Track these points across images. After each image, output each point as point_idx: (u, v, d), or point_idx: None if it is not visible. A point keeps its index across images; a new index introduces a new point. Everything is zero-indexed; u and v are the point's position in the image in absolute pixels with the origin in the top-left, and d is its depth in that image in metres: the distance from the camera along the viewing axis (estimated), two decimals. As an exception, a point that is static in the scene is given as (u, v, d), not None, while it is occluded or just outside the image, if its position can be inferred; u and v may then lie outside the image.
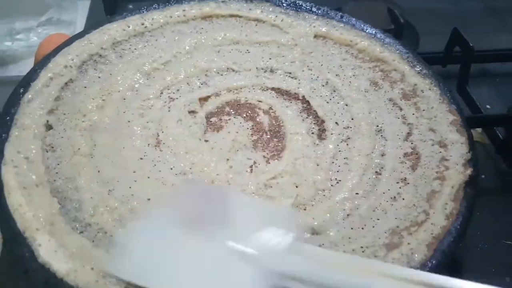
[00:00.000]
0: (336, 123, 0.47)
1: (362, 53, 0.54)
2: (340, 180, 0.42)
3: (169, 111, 0.48)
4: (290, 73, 0.53)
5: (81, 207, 0.38)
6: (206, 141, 0.46)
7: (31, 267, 0.33)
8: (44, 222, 0.36)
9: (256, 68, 0.53)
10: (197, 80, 0.51)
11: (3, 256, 0.34)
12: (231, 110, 0.49)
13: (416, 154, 0.44)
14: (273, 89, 0.51)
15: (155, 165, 0.43)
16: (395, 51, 0.54)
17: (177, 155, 0.44)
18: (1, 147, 0.40)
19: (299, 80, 0.52)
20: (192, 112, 0.48)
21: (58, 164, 0.41)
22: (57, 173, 0.40)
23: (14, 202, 0.36)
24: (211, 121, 0.48)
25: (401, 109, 0.48)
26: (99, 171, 0.41)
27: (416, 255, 0.35)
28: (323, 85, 0.51)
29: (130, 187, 0.40)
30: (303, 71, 0.53)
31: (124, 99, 0.48)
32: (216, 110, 0.49)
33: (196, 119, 0.47)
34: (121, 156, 0.43)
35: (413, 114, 0.48)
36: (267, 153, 0.45)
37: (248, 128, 0.48)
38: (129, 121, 0.46)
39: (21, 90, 0.46)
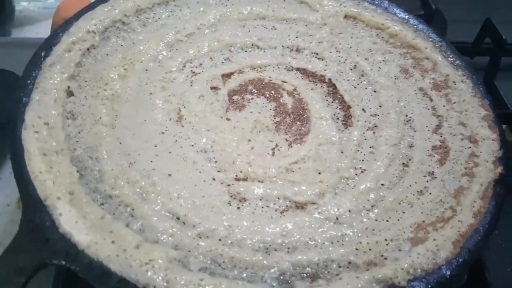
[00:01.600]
0: (363, 109, 0.46)
1: (394, 38, 0.52)
2: (365, 170, 0.41)
3: (191, 85, 0.47)
4: (317, 53, 0.51)
5: (102, 178, 0.37)
6: (228, 119, 0.45)
7: (51, 237, 0.32)
8: (65, 191, 0.35)
9: (282, 46, 0.51)
10: (221, 55, 0.50)
11: (22, 224, 0.33)
12: (254, 89, 0.48)
13: (445, 148, 0.43)
14: (298, 69, 0.50)
15: (176, 140, 0.42)
16: (428, 39, 0.52)
17: (198, 132, 0.43)
18: (23, 111, 0.39)
19: (326, 61, 0.50)
20: (214, 88, 0.47)
21: (79, 133, 0.40)
22: (77, 141, 0.39)
23: (35, 169, 0.36)
24: (233, 99, 0.47)
25: (431, 100, 0.47)
26: (120, 143, 0.40)
27: (441, 252, 0.34)
28: (351, 69, 0.50)
29: (151, 161, 0.40)
30: (330, 52, 0.51)
31: (147, 70, 0.47)
32: (239, 88, 0.48)
33: (218, 96, 0.46)
34: (143, 129, 0.42)
35: (444, 106, 0.46)
36: (290, 137, 0.44)
37: (271, 109, 0.46)
38: (151, 93, 0.45)
39: (43, 54, 0.44)
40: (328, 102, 0.47)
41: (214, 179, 0.40)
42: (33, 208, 0.34)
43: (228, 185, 0.39)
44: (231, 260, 0.34)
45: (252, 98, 0.47)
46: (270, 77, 0.49)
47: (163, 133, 0.42)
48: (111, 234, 0.33)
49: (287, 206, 0.39)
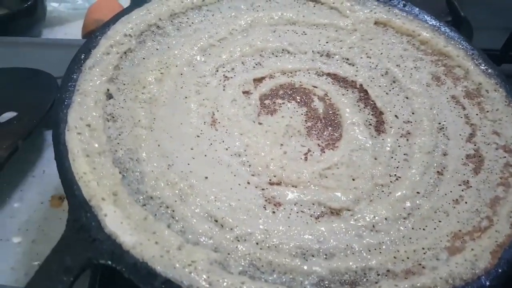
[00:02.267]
0: (396, 116, 0.46)
1: (425, 45, 0.52)
2: (399, 177, 0.41)
3: (224, 90, 0.47)
4: (347, 59, 0.51)
5: (143, 179, 0.38)
6: (260, 123, 0.45)
7: (98, 237, 0.33)
8: (109, 192, 0.36)
9: (312, 51, 0.51)
10: (252, 59, 0.50)
11: (68, 223, 0.34)
12: (285, 94, 0.48)
13: (479, 157, 0.43)
14: (329, 74, 0.50)
15: (211, 144, 0.43)
16: (459, 47, 0.52)
17: (231, 136, 0.44)
18: (65, 112, 0.40)
19: (357, 67, 0.50)
20: (246, 92, 0.48)
21: (119, 135, 0.41)
22: (118, 143, 0.40)
23: (79, 170, 0.37)
24: (264, 104, 0.47)
25: (464, 108, 0.47)
26: (159, 145, 0.41)
27: (480, 262, 0.34)
28: (382, 75, 0.50)
29: (188, 164, 0.40)
30: (361, 58, 0.51)
31: (181, 74, 0.47)
32: (270, 92, 0.48)
33: (250, 100, 0.47)
34: (179, 132, 0.43)
35: (477, 114, 0.46)
36: (322, 142, 0.45)
37: (302, 114, 0.47)
38: (186, 97, 0.46)
39: (82, 56, 0.45)
40: (360, 107, 0.47)
41: (248, 183, 0.40)
42: (78, 208, 0.35)
43: (263, 189, 0.40)
44: (270, 264, 0.34)
45: (283, 103, 0.48)
46: (300, 82, 0.49)
47: (198, 136, 0.43)
48: (154, 235, 0.34)
49: (322, 212, 0.39)
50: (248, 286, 0.32)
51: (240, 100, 0.47)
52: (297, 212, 0.39)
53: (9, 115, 0.54)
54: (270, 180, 0.41)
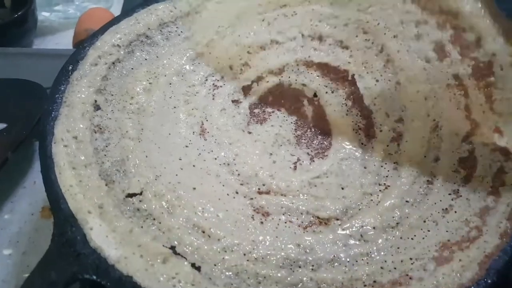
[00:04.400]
0: (386, 113, 0.43)
1: (431, 0, 0.42)
2: (389, 186, 0.41)
3: (213, 99, 0.47)
4: (341, 41, 0.47)
5: (129, 191, 0.38)
6: (250, 132, 0.45)
7: (83, 251, 0.33)
8: (95, 204, 0.36)
9: (302, 35, 0.48)
10: (239, 60, 0.49)
11: (53, 237, 0.34)
12: (274, 101, 0.48)
13: (473, 160, 0.40)
14: (319, 65, 0.47)
15: (200, 153, 0.42)
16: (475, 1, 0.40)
17: (221, 145, 0.44)
18: (52, 125, 0.40)
19: (351, 50, 0.46)
20: (235, 101, 0.47)
21: (106, 146, 0.41)
22: (105, 155, 0.40)
23: (66, 182, 0.36)
24: (254, 112, 0.47)
25: (466, 95, 0.40)
26: (146, 156, 0.41)
27: (467, 273, 0.34)
28: (376, 54, 0.45)
29: (176, 175, 0.40)
30: (356, 36, 0.46)
31: (170, 84, 0.47)
32: (259, 101, 0.48)
33: (240, 109, 0.47)
34: (167, 142, 0.43)
35: (481, 105, 0.39)
36: (311, 151, 0.45)
37: (291, 123, 0.47)
38: (175, 107, 0.46)
39: (70, 67, 0.45)
40: (348, 107, 0.46)
41: (237, 192, 0.40)
42: (64, 222, 0.34)
43: (251, 198, 0.40)
44: (256, 276, 0.34)
45: (272, 111, 0.47)
46: (289, 81, 0.48)
47: (187, 146, 0.43)
48: (139, 248, 0.34)
49: (310, 221, 0.39)
50: None
51: (229, 109, 0.47)
52: (285, 222, 0.39)
53: (-2, 126, 0.54)
54: (259, 189, 0.41)
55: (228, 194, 0.40)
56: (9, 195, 0.55)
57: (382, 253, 0.36)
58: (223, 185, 0.40)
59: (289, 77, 0.48)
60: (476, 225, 0.38)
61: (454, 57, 0.40)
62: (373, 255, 0.36)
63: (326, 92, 0.47)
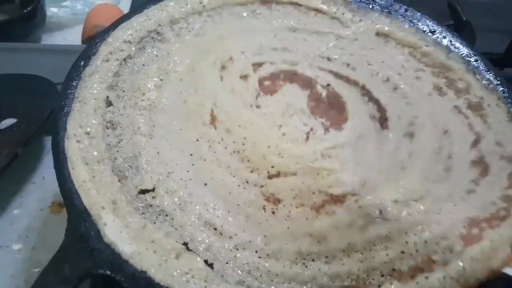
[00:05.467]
0: (399, 116, 0.45)
1: (426, 57, 0.51)
2: (405, 167, 0.40)
3: (221, 80, 0.46)
4: (348, 64, 0.50)
5: (142, 187, 0.38)
6: (258, 107, 0.44)
7: (96, 247, 0.33)
8: (108, 200, 0.36)
9: (314, 54, 0.50)
10: (251, 51, 0.49)
11: (67, 233, 0.34)
12: (287, 78, 0.47)
13: (485, 163, 0.41)
14: (331, 71, 0.49)
15: (210, 145, 0.42)
16: (461, 61, 0.50)
17: (230, 131, 0.42)
18: (64, 120, 0.40)
19: (358, 72, 0.50)
20: (244, 77, 0.46)
21: (119, 142, 0.41)
22: (117, 151, 0.40)
23: (79, 178, 0.36)
24: (264, 85, 0.46)
25: (467, 117, 0.46)
26: (158, 153, 0.41)
27: (498, 255, 0.32)
28: (383, 81, 0.49)
29: (188, 171, 0.40)
30: (362, 64, 0.50)
31: (181, 79, 0.47)
32: (270, 75, 0.47)
33: (248, 84, 0.46)
34: (179, 138, 0.42)
35: (480, 124, 0.45)
36: (326, 121, 0.43)
37: (304, 95, 0.45)
38: (185, 101, 0.45)
39: (82, 63, 0.45)
40: (364, 101, 0.46)
41: (247, 182, 0.39)
42: (78, 217, 0.34)
43: (261, 186, 0.39)
44: (268, 274, 0.34)
45: (284, 84, 0.46)
46: (302, 71, 0.48)
47: (197, 140, 0.42)
48: (153, 244, 0.34)
49: (323, 201, 0.37)
50: None
51: (237, 87, 0.46)
52: (297, 207, 0.37)
53: (9, 122, 0.54)
54: (268, 173, 0.40)
55: (238, 186, 0.39)
56: (19, 191, 0.55)
57: (404, 232, 0.35)
58: (234, 176, 0.40)
59: (303, 69, 0.48)
60: (503, 207, 0.36)
61: (450, 96, 0.47)
62: (393, 235, 0.34)
63: (341, 86, 0.47)
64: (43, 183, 0.56)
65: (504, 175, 0.40)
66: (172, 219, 0.36)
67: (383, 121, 0.45)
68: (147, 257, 0.33)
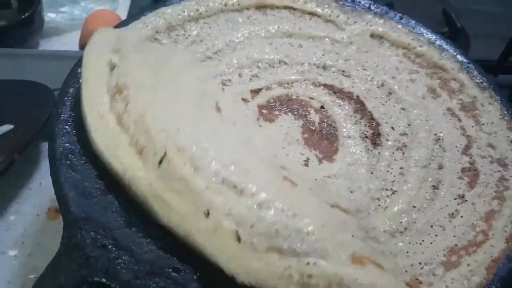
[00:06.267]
0: (392, 127, 0.46)
1: (420, 58, 0.53)
2: (396, 191, 0.41)
3: (223, 91, 0.47)
4: (343, 71, 0.51)
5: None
6: (260, 126, 0.45)
7: (92, 254, 0.33)
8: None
9: (309, 63, 0.51)
10: (249, 71, 0.50)
11: (63, 240, 0.34)
12: (282, 106, 0.48)
13: (475, 170, 0.43)
14: (325, 86, 0.50)
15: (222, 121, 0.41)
16: (454, 60, 0.52)
17: (236, 124, 0.42)
18: (60, 127, 0.40)
19: (353, 79, 0.50)
20: (244, 100, 0.47)
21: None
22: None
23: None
24: (262, 112, 0.47)
25: (460, 120, 0.47)
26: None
27: (475, 277, 0.34)
28: (378, 87, 0.50)
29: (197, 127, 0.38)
30: (357, 70, 0.51)
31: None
32: (267, 104, 0.48)
33: (249, 106, 0.46)
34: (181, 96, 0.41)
35: (472, 126, 0.46)
36: (319, 153, 0.44)
37: (299, 126, 0.47)
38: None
39: (79, 70, 0.45)
40: (356, 119, 0.47)
41: (262, 160, 0.38)
42: (73, 224, 0.34)
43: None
44: (297, 232, 0.32)
45: (279, 115, 0.47)
46: (297, 93, 0.49)
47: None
48: None
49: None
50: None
51: (239, 103, 0.46)
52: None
53: (6, 127, 0.54)
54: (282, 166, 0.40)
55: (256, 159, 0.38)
56: (15, 196, 0.55)
57: (394, 256, 0.36)
58: (250, 152, 0.38)
59: (297, 91, 0.49)
60: (482, 229, 0.38)
61: (444, 97, 0.49)
62: (386, 255, 0.36)
63: (334, 106, 0.48)
64: (39, 189, 0.56)
65: (493, 182, 0.41)
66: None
67: (375, 137, 0.46)
68: None
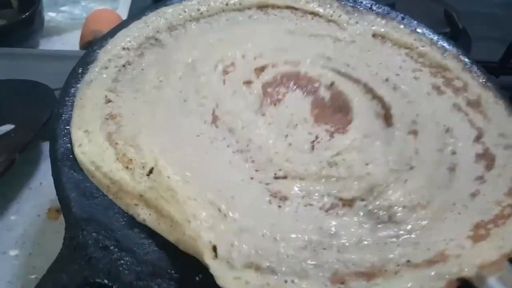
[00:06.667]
0: (403, 113, 0.44)
1: (423, 57, 0.52)
2: (413, 167, 0.39)
3: (224, 84, 0.45)
4: (348, 64, 0.50)
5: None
6: (263, 115, 0.43)
7: (94, 255, 0.33)
8: None
9: (314, 53, 0.50)
10: (252, 53, 0.49)
11: (65, 241, 0.34)
12: (289, 82, 0.46)
13: (490, 155, 0.41)
14: (333, 69, 0.48)
15: (212, 142, 0.40)
16: (457, 60, 0.52)
17: (233, 131, 0.41)
18: (62, 127, 0.40)
19: (358, 71, 0.49)
20: (247, 83, 0.46)
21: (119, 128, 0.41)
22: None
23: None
24: (267, 92, 0.45)
25: (467, 114, 0.46)
26: (158, 142, 0.39)
27: (508, 243, 0.33)
28: (383, 81, 0.48)
29: (188, 163, 0.38)
30: (361, 65, 0.50)
31: (180, 78, 0.46)
32: (273, 80, 0.46)
33: (252, 90, 0.45)
34: (179, 133, 0.41)
35: (481, 120, 0.45)
36: (331, 127, 0.42)
37: (308, 102, 0.45)
38: (185, 100, 0.44)
39: (80, 70, 0.45)
40: (368, 98, 0.46)
41: (252, 178, 0.38)
42: (75, 225, 0.34)
43: (267, 183, 0.38)
44: (277, 255, 0.32)
45: (287, 92, 0.46)
46: (305, 71, 0.48)
47: (198, 136, 0.41)
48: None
49: (332, 204, 0.37)
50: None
51: (240, 91, 0.45)
52: (305, 206, 0.36)
53: (6, 127, 0.54)
54: (275, 174, 0.38)
55: (242, 180, 0.38)
56: (16, 197, 0.55)
57: (413, 235, 0.34)
58: (237, 172, 0.38)
59: (305, 69, 0.48)
60: (509, 203, 0.37)
61: (449, 94, 0.48)
62: (403, 237, 0.34)
63: (344, 83, 0.47)
64: (40, 189, 0.56)
65: (511, 164, 0.40)
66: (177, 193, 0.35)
67: (387, 118, 0.44)
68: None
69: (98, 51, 0.47)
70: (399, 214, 0.36)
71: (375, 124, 0.43)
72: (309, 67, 0.48)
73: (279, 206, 0.36)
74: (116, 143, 0.39)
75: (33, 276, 0.48)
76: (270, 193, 0.37)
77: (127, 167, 0.37)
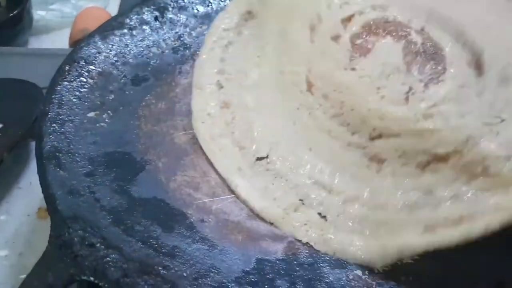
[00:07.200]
0: (495, 59, 0.41)
1: None
2: (504, 119, 0.37)
3: (312, 43, 0.46)
4: (437, 6, 0.46)
5: (258, 155, 0.42)
6: (353, 69, 0.43)
7: (80, 253, 0.32)
8: (235, 167, 0.42)
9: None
10: (338, 2, 0.48)
11: (50, 239, 0.34)
12: (378, 29, 0.45)
13: None
14: (423, 12, 0.46)
15: (309, 113, 0.43)
16: None
17: (327, 96, 0.42)
18: (48, 125, 0.40)
19: (449, 13, 0.45)
20: (335, 37, 0.45)
21: (233, 119, 0.45)
22: (234, 126, 0.45)
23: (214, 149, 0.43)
24: (356, 44, 0.44)
25: None
26: (266, 125, 0.44)
27: None
28: (476, 22, 0.44)
29: (293, 139, 0.42)
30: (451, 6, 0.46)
31: (274, 50, 0.48)
32: (362, 30, 0.45)
33: (340, 46, 0.44)
34: (282, 110, 0.45)
35: None
36: (424, 77, 0.41)
37: (399, 49, 0.43)
38: (281, 72, 0.46)
39: (67, 68, 0.46)
40: (459, 44, 0.43)
41: (349, 144, 0.40)
42: (61, 223, 0.34)
43: (364, 147, 0.39)
44: (376, 222, 0.36)
45: (377, 40, 0.44)
46: (394, 16, 0.46)
47: (298, 108, 0.43)
48: (275, 201, 0.40)
49: (428, 160, 0.37)
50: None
51: (329, 50, 0.45)
52: (402, 166, 0.37)
53: (-6, 126, 0.54)
54: (370, 135, 0.39)
55: (341, 148, 0.40)
56: (5, 196, 0.54)
57: (506, 187, 0.33)
58: (336, 140, 0.41)
59: (394, 13, 0.46)
60: None
61: None
62: (497, 189, 0.33)
63: (436, 28, 0.44)
64: (30, 189, 0.56)
65: None
66: (287, 180, 0.40)
67: (478, 66, 0.41)
68: (272, 212, 0.38)
69: (85, 48, 0.47)
70: (492, 166, 0.34)
71: (469, 73, 0.41)
72: (398, 11, 0.46)
73: (377, 171, 0.38)
74: (233, 132, 0.44)
75: (23, 276, 0.47)
76: (368, 157, 0.39)
77: (240, 151, 0.43)
